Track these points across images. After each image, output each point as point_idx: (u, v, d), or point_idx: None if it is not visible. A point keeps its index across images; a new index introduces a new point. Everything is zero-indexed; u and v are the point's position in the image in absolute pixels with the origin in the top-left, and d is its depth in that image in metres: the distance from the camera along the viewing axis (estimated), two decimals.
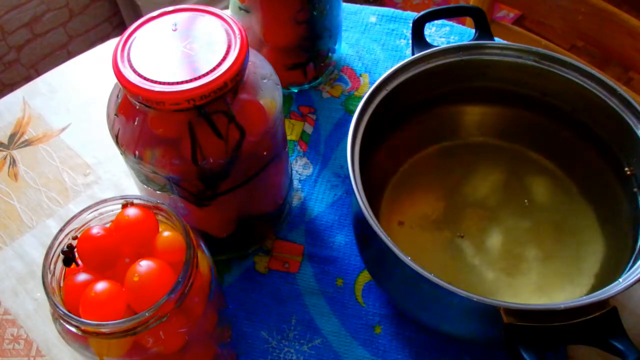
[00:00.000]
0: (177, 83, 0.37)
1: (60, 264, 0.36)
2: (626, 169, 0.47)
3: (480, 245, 0.49)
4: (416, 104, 0.52)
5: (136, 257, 0.35)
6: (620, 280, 0.39)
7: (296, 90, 0.63)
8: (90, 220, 0.37)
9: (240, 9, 0.55)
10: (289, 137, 0.60)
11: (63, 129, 0.62)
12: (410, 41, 0.58)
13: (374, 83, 0.47)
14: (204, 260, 0.38)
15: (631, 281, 0.38)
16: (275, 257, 0.53)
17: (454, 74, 0.51)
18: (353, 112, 0.45)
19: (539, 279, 0.48)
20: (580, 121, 0.50)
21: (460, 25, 0.68)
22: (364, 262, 0.49)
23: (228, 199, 0.44)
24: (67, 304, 0.35)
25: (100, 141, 0.59)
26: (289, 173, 0.53)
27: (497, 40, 0.54)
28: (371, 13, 0.69)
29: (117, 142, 0.41)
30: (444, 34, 0.67)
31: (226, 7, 0.57)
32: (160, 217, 0.38)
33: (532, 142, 0.54)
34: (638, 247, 0.44)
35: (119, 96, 0.41)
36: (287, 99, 0.63)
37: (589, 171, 0.51)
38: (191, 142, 0.39)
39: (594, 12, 0.79)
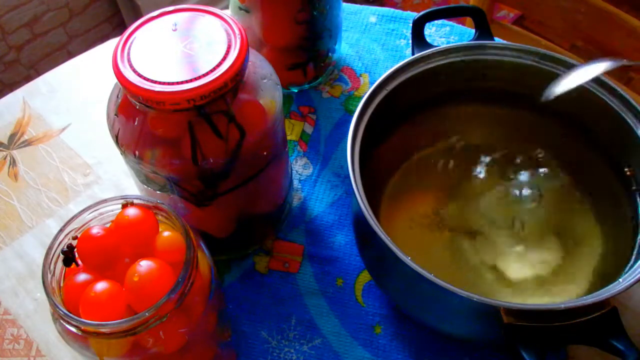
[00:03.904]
0: (177, 83, 0.37)
1: (60, 264, 0.36)
2: (626, 169, 0.47)
3: (480, 245, 0.49)
4: (416, 104, 0.52)
5: (136, 257, 0.35)
6: (620, 280, 0.39)
7: (296, 90, 0.63)
8: (90, 220, 0.37)
9: (240, 9, 0.55)
10: (289, 137, 0.60)
11: (63, 129, 0.62)
12: (410, 41, 0.58)
13: (374, 83, 0.47)
14: (204, 260, 0.38)
15: (631, 281, 0.38)
16: (275, 257, 0.53)
17: (454, 74, 0.51)
18: (353, 112, 0.45)
19: (539, 278, 0.48)
20: (581, 121, 0.50)
21: (460, 25, 0.68)
22: (364, 262, 0.49)
23: (228, 199, 0.44)
24: (67, 304, 0.34)
25: (100, 141, 0.59)
26: (289, 173, 0.53)
27: (497, 40, 0.54)
28: (371, 13, 0.69)
29: (117, 142, 0.41)
30: (444, 34, 0.67)
31: (226, 7, 0.57)
32: (160, 217, 0.38)
33: (532, 142, 0.54)
34: (638, 247, 0.44)
35: (119, 96, 0.41)
36: (287, 99, 0.63)
37: (589, 171, 0.51)
38: (191, 142, 0.39)
39: (594, 12, 0.79)
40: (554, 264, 0.48)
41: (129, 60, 0.38)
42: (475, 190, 0.52)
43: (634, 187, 0.46)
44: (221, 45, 0.39)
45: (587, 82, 0.48)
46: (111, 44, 0.67)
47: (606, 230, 0.49)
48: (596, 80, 0.47)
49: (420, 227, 0.51)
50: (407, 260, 0.38)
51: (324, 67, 0.62)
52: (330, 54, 0.62)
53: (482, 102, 0.54)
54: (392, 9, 0.69)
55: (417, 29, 0.52)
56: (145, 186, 0.44)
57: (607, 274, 0.46)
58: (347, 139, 0.44)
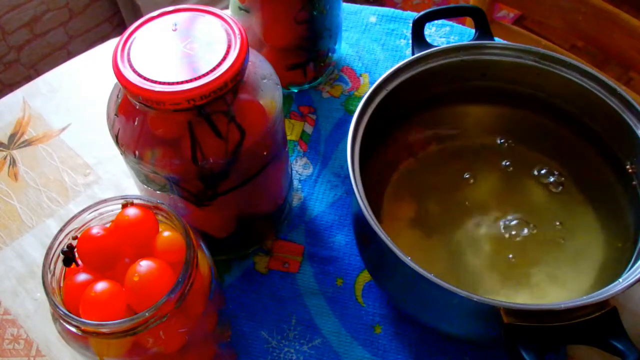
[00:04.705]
0: (177, 83, 0.37)
1: (60, 264, 0.36)
2: (627, 166, 0.47)
3: (480, 245, 0.49)
4: (416, 104, 0.52)
5: (136, 257, 0.35)
6: (620, 280, 0.39)
7: (296, 90, 0.63)
8: (90, 220, 0.37)
9: (240, 9, 0.55)
10: (289, 137, 0.60)
11: (63, 129, 0.62)
12: (410, 41, 0.58)
13: (374, 83, 0.47)
14: (204, 260, 0.38)
15: (631, 281, 0.38)
16: (275, 257, 0.53)
17: (454, 74, 0.51)
18: (353, 112, 0.45)
19: (539, 279, 0.47)
20: (581, 121, 0.50)
21: (460, 25, 0.68)
22: (364, 262, 0.49)
23: (228, 199, 0.44)
24: (67, 304, 0.35)
25: (100, 141, 0.59)
26: (289, 173, 0.53)
27: (497, 40, 0.54)
28: (371, 13, 0.69)
29: (117, 142, 0.41)
30: (444, 34, 0.67)
31: (226, 7, 0.57)
32: (160, 217, 0.38)
33: (532, 141, 0.53)
34: (638, 247, 0.44)
35: (119, 96, 0.41)
36: (287, 99, 0.63)
37: (589, 171, 0.51)
38: (191, 142, 0.39)
39: (594, 12, 0.79)
40: (554, 264, 0.48)
41: (129, 60, 0.38)
42: (476, 190, 0.52)
43: (635, 187, 0.46)
44: (221, 45, 0.39)
45: (587, 82, 0.48)
46: (111, 44, 0.67)
47: (606, 230, 0.49)
48: (596, 80, 0.47)
49: (420, 227, 0.51)
50: (407, 260, 0.38)
51: (324, 67, 0.62)
52: (330, 54, 0.62)
53: (482, 102, 0.54)
54: (392, 9, 0.69)
55: (417, 29, 0.52)
56: (145, 186, 0.44)
57: (607, 274, 0.46)
58: (347, 139, 0.44)
